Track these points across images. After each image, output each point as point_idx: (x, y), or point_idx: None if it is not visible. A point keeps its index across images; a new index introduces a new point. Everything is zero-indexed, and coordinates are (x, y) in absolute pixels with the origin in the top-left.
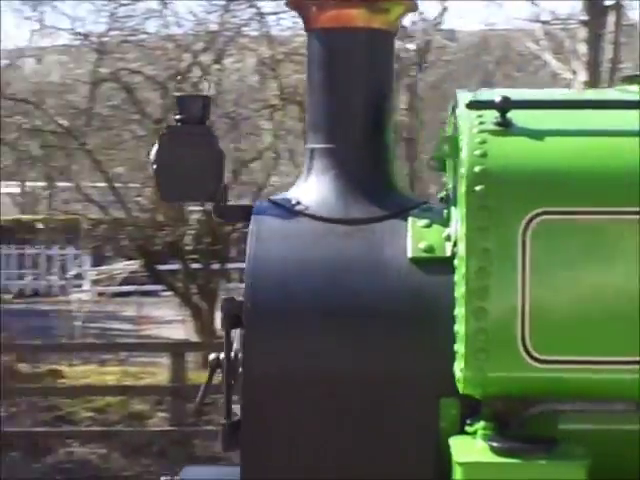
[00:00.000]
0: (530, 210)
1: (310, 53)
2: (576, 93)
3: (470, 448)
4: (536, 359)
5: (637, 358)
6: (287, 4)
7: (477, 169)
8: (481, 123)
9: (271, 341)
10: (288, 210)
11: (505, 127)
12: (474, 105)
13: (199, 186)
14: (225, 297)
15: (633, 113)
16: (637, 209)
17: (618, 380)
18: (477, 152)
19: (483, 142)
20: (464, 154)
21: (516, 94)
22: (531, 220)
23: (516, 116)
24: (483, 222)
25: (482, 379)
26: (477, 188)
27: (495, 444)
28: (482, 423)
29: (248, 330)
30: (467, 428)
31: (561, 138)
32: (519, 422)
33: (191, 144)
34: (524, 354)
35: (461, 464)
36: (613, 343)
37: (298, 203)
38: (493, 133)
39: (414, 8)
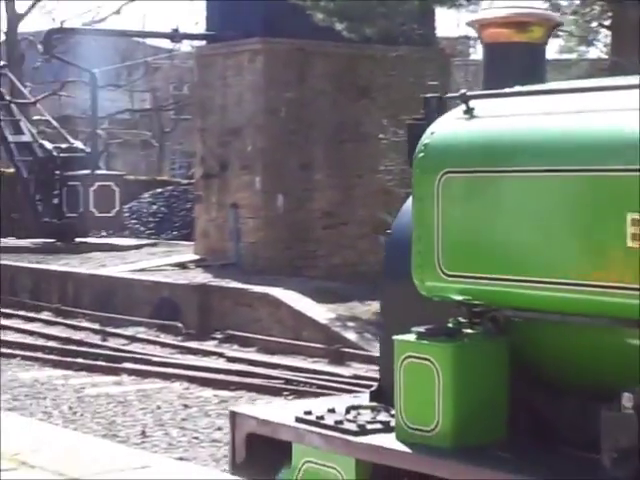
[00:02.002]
0: (440, 170)
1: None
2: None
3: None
4: (446, 274)
5: (515, 277)
6: (467, 24)
7: (424, 142)
8: (458, 111)
9: (395, 270)
10: None
11: (467, 114)
12: (443, 99)
13: None
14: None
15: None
16: (496, 169)
17: (502, 292)
18: (431, 131)
19: (439, 125)
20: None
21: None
22: (442, 177)
23: (484, 106)
24: (419, 178)
25: (424, 287)
26: (419, 155)
27: (417, 329)
28: (452, 319)
29: (384, 259)
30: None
31: (491, 120)
32: (487, 319)
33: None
34: (439, 271)
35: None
36: (497, 264)
37: None
38: (453, 118)
39: (556, 25)
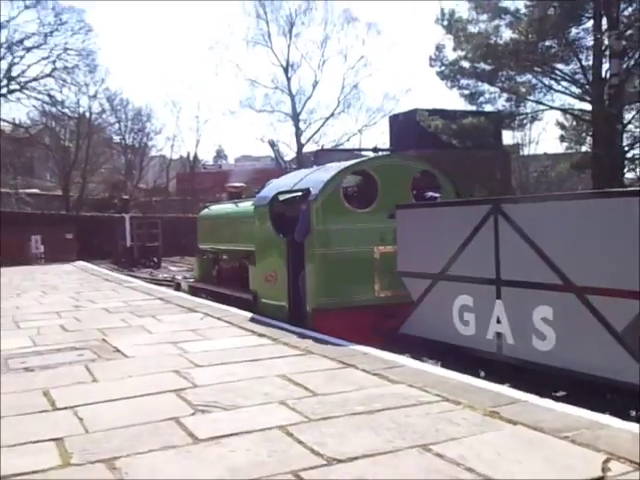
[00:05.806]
0: (201, 218)
1: None
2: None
3: None
4: (200, 243)
5: (214, 243)
6: (225, 186)
7: (200, 214)
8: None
9: None
10: None
11: (207, 207)
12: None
13: None
14: None
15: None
16: (210, 218)
17: (213, 249)
18: (203, 207)
19: (204, 209)
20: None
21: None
22: (200, 219)
23: (218, 205)
24: (198, 220)
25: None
26: (198, 221)
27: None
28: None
29: None
30: None
31: (210, 210)
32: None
33: None
34: (200, 242)
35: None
36: (211, 241)
37: None
38: (206, 207)
39: (246, 188)
